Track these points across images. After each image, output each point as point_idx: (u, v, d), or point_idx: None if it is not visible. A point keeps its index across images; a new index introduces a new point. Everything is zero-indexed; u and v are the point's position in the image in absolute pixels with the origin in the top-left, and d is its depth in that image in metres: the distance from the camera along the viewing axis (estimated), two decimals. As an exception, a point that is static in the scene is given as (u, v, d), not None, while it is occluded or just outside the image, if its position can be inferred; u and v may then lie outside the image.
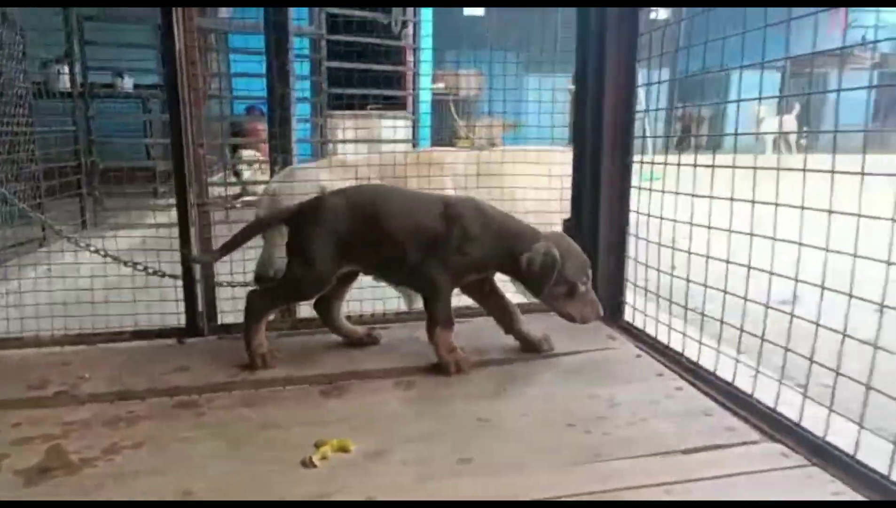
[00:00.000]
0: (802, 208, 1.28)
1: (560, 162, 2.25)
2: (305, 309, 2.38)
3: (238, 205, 5.84)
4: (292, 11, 2.87)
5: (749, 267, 1.40)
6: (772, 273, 1.36)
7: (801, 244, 1.27)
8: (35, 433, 1.35)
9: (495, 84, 2.83)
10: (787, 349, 1.30)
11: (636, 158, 1.88)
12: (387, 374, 1.65)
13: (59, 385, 1.59)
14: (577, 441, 1.28)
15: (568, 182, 2.09)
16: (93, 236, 4.44)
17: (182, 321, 1.93)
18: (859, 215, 1.18)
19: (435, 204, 1.66)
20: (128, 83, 6.78)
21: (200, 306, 1.91)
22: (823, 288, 1.21)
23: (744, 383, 1.42)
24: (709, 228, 1.55)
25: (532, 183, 2.25)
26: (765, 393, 1.36)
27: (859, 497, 1.05)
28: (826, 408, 1.20)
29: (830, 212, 1.20)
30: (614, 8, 1.81)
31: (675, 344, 1.68)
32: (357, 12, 4.35)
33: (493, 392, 1.53)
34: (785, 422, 1.28)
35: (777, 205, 1.33)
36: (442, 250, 1.61)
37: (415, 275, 1.65)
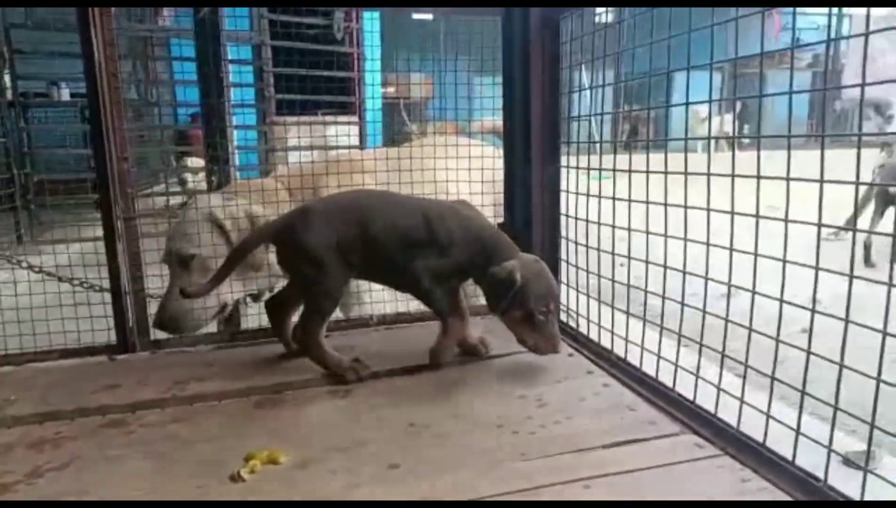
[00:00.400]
0: (708, 210, 1.33)
1: (489, 156, 2.27)
2: (251, 320, 2.38)
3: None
4: (227, 19, 2.83)
5: (665, 267, 1.46)
6: (689, 274, 1.42)
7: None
8: (-48, 461, 1.31)
9: (446, 87, 2.85)
10: (701, 345, 1.36)
11: (587, 159, 1.88)
12: (322, 384, 1.66)
13: (-18, 409, 1.54)
14: (504, 442, 1.31)
15: (497, 175, 2.13)
16: (29, 251, 4.29)
17: (113, 337, 1.89)
18: (757, 217, 1.24)
19: (418, 208, 1.66)
20: (64, 92, 6.58)
21: (131, 322, 1.87)
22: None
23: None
24: (629, 230, 1.60)
25: (463, 177, 2.25)
26: (687, 387, 1.42)
27: (765, 484, 1.10)
28: (738, 398, 1.26)
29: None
30: (536, 8, 1.85)
31: (607, 342, 1.74)
32: (295, 18, 4.32)
33: (426, 397, 1.55)
34: (703, 414, 1.34)
35: (686, 208, 1.38)
36: (425, 254, 1.61)
37: (404, 281, 1.68)
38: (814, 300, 1.09)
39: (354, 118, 5.90)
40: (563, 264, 1.98)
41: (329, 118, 5.37)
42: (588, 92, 1.91)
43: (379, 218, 1.63)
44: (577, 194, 1.84)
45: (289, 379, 1.67)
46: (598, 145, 1.78)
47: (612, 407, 1.45)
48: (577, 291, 1.88)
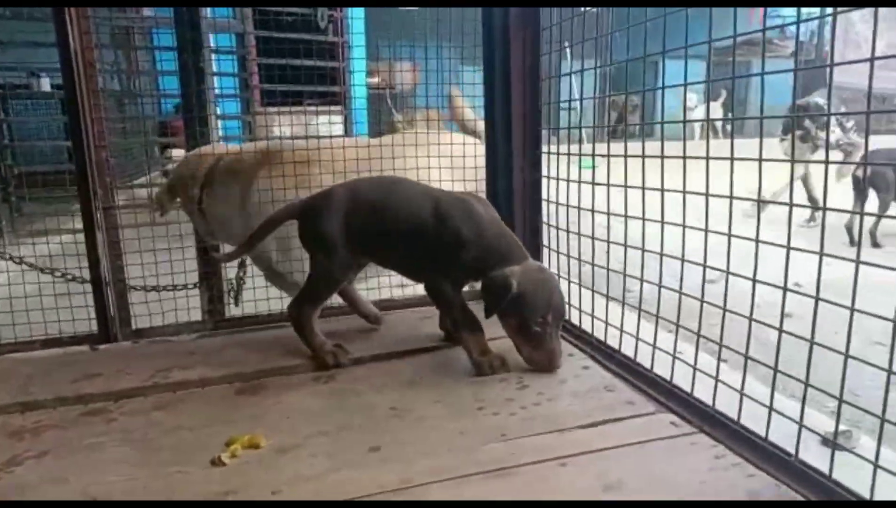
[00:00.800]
0: (684, 192, 1.35)
1: (462, 144, 2.25)
2: (233, 308, 2.38)
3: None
4: (207, 8, 2.80)
5: (643, 250, 1.47)
6: (666, 256, 1.43)
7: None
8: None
9: (432, 76, 2.82)
10: (678, 326, 1.37)
11: (574, 147, 1.89)
12: (306, 370, 1.66)
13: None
14: (485, 423, 1.32)
15: (470, 163, 2.13)
16: (10, 243, 4.25)
17: (94, 327, 1.88)
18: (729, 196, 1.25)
19: (429, 201, 1.62)
20: (45, 83, 6.50)
21: (112, 312, 1.87)
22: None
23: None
24: (608, 214, 1.61)
25: (437, 169, 2.23)
26: (665, 369, 1.44)
27: (738, 459, 1.12)
28: (712, 379, 1.28)
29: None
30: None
31: (587, 326, 1.75)
32: (277, 7, 4.29)
33: (409, 382, 1.56)
34: (680, 394, 1.36)
35: (663, 191, 1.40)
36: (437, 255, 1.59)
37: (423, 280, 1.69)
38: (785, 279, 1.10)
39: (340, 108, 5.86)
40: (545, 250, 1.99)
41: (314, 109, 5.33)
42: (572, 79, 1.91)
43: (392, 208, 1.63)
44: (556, 179, 1.85)
45: (272, 366, 1.67)
46: (583, 133, 1.79)
47: (592, 389, 1.46)
48: (559, 275, 1.89)
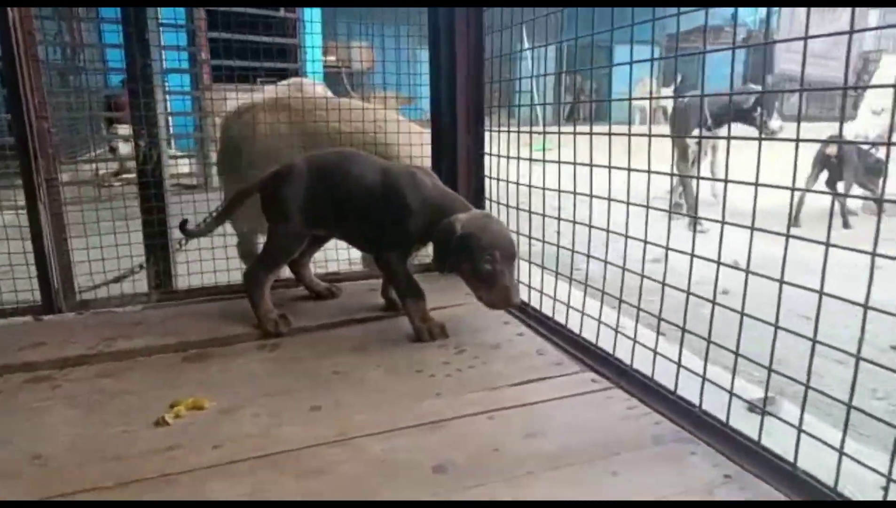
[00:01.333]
0: (631, 170, 1.44)
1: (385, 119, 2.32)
2: (180, 280, 2.39)
3: (115, 183, 5.57)
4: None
5: (574, 222, 1.57)
6: (593, 228, 1.53)
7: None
8: None
9: (389, 57, 2.84)
10: (603, 293, 1.48)
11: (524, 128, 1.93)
12: (251, 338, 1.71)
13: None
14: (422, 384, 1.40)
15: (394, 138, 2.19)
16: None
17: (38, 297, 1.88)
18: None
19: (378, 172, 1.69)
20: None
21: (56, 284, 1.87)
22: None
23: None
24: (543, 189, 1.70)
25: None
26: (592, 333, 1.54)
27: (647, 410, 1.23)
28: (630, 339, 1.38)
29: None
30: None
31: (525, 296, 1.85)
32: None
33: (352, 348, 1.63)
34: (602, 355, 1.46)
35: (601, 167, 1.49)
36: (385, 224, 1.66)
37: (370, 249, 1.77)
38: (719, 254, 1.18)
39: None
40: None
41: (268, 87, 5.28)
42: (532, 62, 1.97)
43: (345, 180, 1.69)
44: (497, 155, 1.93)
45: (217, 335, 1.71)
46: (539, 116, 1.86)
47: (524, 352, 1.56)
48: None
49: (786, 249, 1.04)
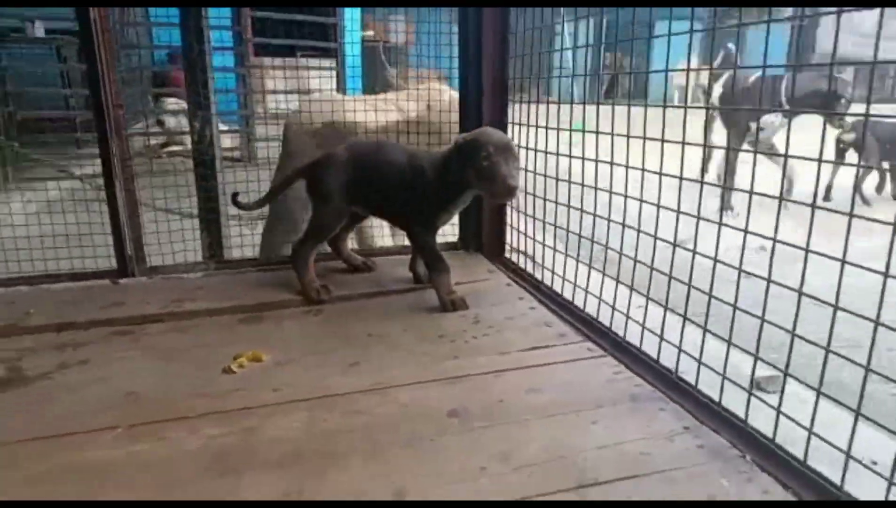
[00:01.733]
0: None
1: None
2: (230, 252, 2.67)
3: (164, 155, 5.90)
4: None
5: (581, 211, 1.78)
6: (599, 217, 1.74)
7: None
8: (-6, 357, 1.62)
9: (426, 34, 2.96)
10: (603, 273, 1.69)
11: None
12: (299, 305, 1.97)
13: (6, 320, 1.83)
14: (443, 348, 1.65)
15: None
16: (19, 187, 4.47)
17: (114, 263, 2.17)
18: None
19: (407, 156, 1.95)
20: (38, 28, 6.58)
21: (130, 251, 2.16)
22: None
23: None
24: (556, 179, 1.91)
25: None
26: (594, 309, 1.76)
27: (632, 375, 1.46)
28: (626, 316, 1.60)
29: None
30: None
31: (540, 275, 2.07)
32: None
33: (384, 316, 1.88)
34: (601, 328, 1.69)
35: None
36: (412, 200, 1.90)
37: (401, 224, 2.03)
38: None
39: (333, 62, 6.02)
40: (508, 208, 2.29)
41: (311, 62, 5.51)
42: (568, 42, 2.10)
43: (379, 164, 1.95)
44: (519, 124, 2.13)
45: (269, 300, 1.98)
46: (575, 92, 1.97)
47: (533, 324, 1.79)
48: (516, 229, 2.20)
49: (811, 223, 1.09)
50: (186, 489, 1.09)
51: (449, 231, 2.38)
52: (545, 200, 2.01)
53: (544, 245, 2.07)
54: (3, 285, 2.12)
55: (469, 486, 1.08)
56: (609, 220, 1.67)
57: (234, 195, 2.10)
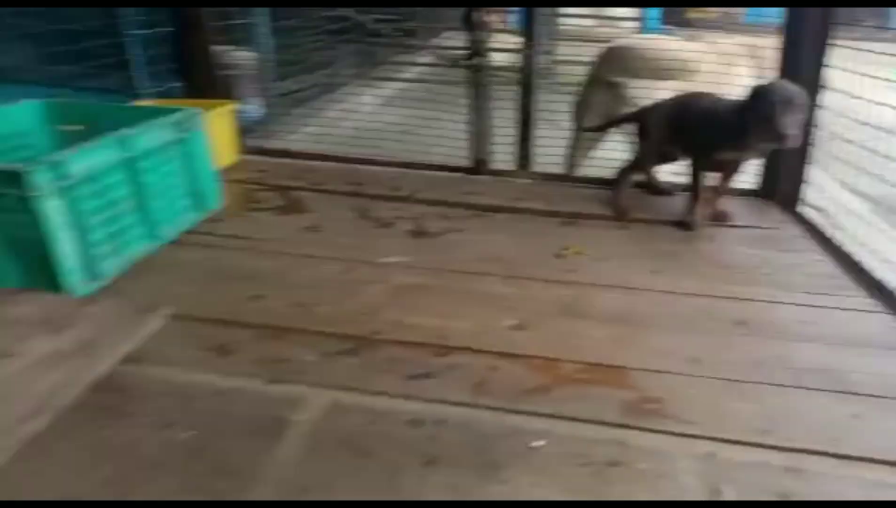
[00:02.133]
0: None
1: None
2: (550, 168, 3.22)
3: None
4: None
5: None
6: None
7: None
8: (404, 215, 2.39)
9: None
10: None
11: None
12: (609, 218, 2.44)
13: (406, 191, 2.63)
14: (728, 272, 2.00)
15: None
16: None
17: (467, 162, 2.87)
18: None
19: (711, 103, 2.29)
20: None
21: (480, 154, 2.82)
22: None
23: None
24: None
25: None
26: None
27: (907, 331, 1.67)
28: None
29: None
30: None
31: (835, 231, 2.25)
32: None
33: (682, 239, 2.26)
34: (889, 290, 1.86)
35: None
36: (706, 136, 2.25)
37: (692, 156, 2.37)
38: None
39: None
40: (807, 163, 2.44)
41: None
42: None
43: (690, 111, 2.33)
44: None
45: (585, 211, 2.48)
46: None
47: (817, 273, 2.02)
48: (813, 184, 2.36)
49: None
50: (544, 323, 1.67)
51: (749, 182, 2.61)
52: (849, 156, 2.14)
53: (842, 206, 2.22)
54: (388, 165, 2.94)
55: (746, 376, 1.47)
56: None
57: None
